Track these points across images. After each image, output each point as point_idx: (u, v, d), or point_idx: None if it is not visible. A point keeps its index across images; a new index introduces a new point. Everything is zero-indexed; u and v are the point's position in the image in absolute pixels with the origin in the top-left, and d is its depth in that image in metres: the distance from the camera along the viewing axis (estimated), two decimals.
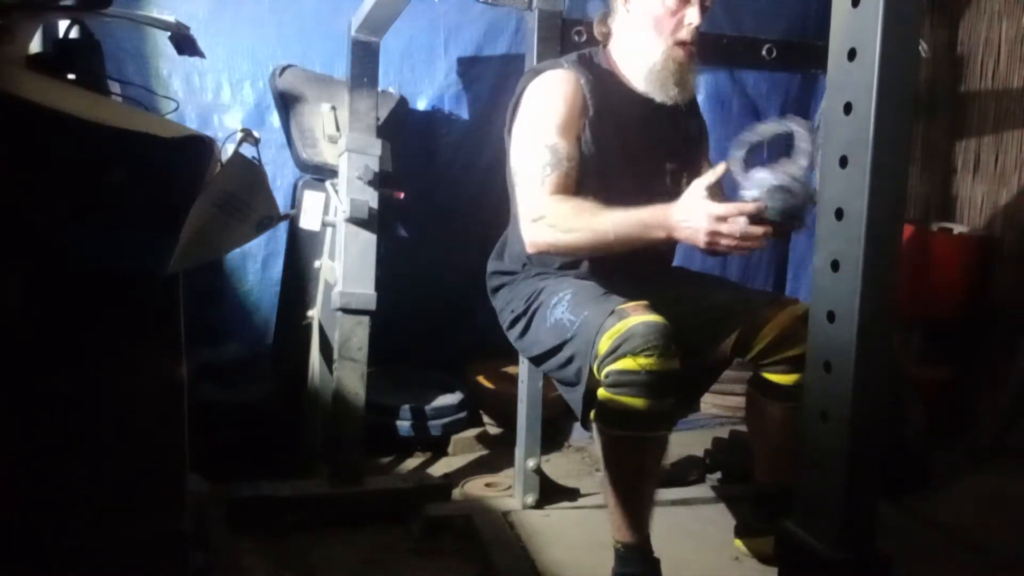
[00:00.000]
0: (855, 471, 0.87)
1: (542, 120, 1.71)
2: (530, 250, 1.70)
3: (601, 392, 1.56)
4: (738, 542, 1.96)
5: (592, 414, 1.61)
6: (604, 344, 1.53)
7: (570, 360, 1.65)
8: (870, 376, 0.86)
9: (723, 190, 1.68)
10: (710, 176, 1.56)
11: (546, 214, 1.63)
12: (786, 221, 1.53)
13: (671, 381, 1.53)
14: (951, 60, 3.21)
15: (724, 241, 1.49)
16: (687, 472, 2.48)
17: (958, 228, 3.07)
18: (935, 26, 3.25)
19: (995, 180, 3.05)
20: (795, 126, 1.57)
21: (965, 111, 3.17)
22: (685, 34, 1.74)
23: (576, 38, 2.10)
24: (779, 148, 1.60)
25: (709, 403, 3.00)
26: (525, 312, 1.79)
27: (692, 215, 1.52)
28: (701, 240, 1.51)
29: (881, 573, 0.91)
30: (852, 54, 0.85)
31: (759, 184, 1.53)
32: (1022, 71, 2.96)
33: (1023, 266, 2.92)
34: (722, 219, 1.49)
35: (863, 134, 0.84)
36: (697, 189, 1.54)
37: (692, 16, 1.73)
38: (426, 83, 3.01)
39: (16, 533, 1.10)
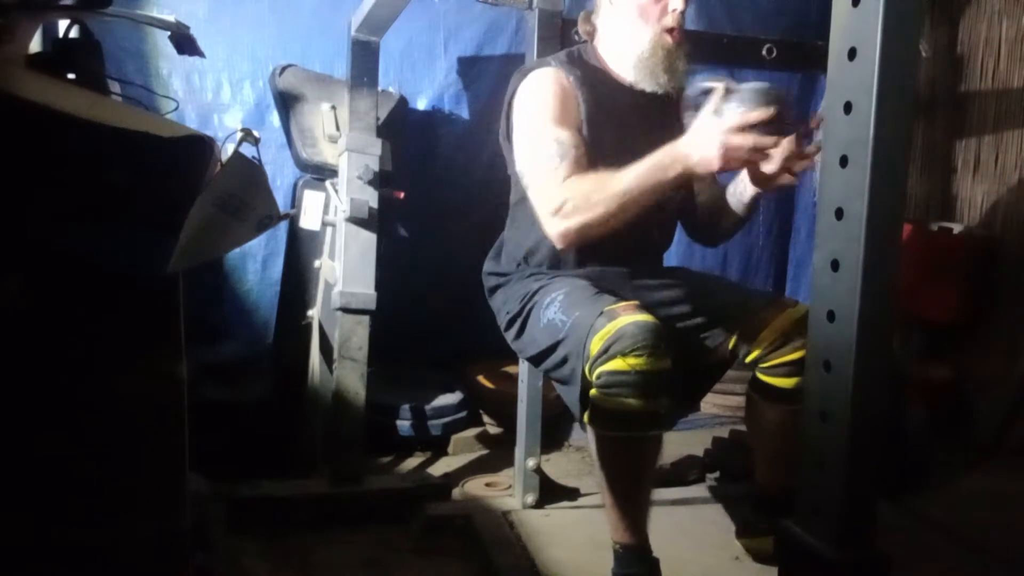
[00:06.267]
0: (855, 471, 0.87)
1: (541, 116, 1.70)
2: (562, 244, 1.65)
3: (593, 393, 1.56)
4: (739, 541, 1.96)
5: (586, 415, 1.61)
6: (595, 345, 1.52)
7: (564, 360, 1.64)
8: (870, 376, 0.86)
9: None
10: (714, 100, 1.56)
11: (567, 198, 1.60)
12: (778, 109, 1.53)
13: (662, 381, 1.52)
14: (951, 60, 3.21)
15: (737, 153, 1.50)
16: (687, 472, 2.48)
17: (958, 228, 3.07)
18: (935, 26, 3.25)
19: (995, 180, 3.05)
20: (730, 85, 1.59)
21: (965, 111, 3.17)
22: (670, 20, 1.75)
23: (576, 38, 2.10)
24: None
25: (709, 403, 3.00)
26: (520, 313, 1.79)
27: (703, 137, 1.53)
28: (716, 156, 1.51)
29: (881, 573, 0.91)
30: (852, 54, 0.85)
31: (740, 97, 1.54)
32: (1022, 71, 2.96)
33: (1023, 266, 2.92)
34: (732, 130, 1.50)
35: (863, 134, 0.84)
36: (704, 116, 1.55)
37: (676, 2, 1.75)
38: (426, 83, 3.01)
39: (16, 532, 1.10)
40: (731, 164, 1.53)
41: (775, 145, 1.53)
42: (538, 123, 1.70)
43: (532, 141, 1.70)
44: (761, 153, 1.53)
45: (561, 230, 1.61)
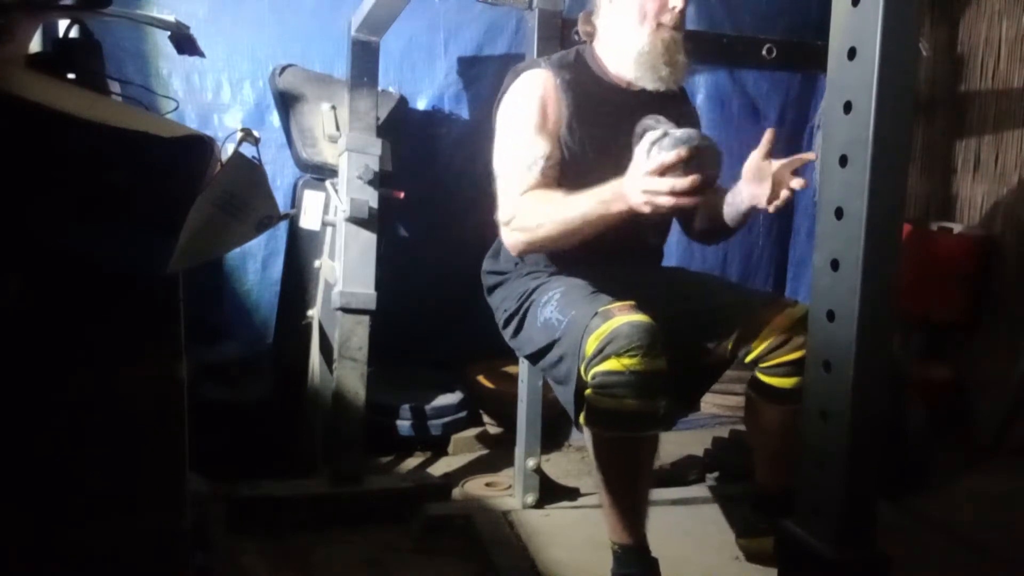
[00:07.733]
0: (855, 471, 0.87)
1: (519, 123, 1.73)
2: (513, 253, 1.75)
3: (588, 393, 1.56)
4: (738, 542, 1.96)
5: (581, 415, 1.61)
6: (590, 345, 1.53)
7: (560, 360, 1.65)
8: (870, 376, 0.86)
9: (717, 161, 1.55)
10: (645, 142, 1.50)
11: (515, 215, 1.67)
12: (699, 160, 1.46)
13: (658, 381, 1.52)
14: (951, 60, 3.21)
15: (660, 200, 1.44)
16: (687, 472, 2.48)
17: (958, 228, 3.07)
18: (935, 26, 3.25)
19: (995, 180, 3.05)
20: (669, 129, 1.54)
21: (965, 111, 3.17)
22: (669, 18, 1.75)
23: (576, 38, 2.10)
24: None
25: (709, 403, 3.00)
26: (517, 311, 1.80)
27: (631, 180, 1.48)
28: (641, 205, 1.46)
29: (881, 573, 0.91)
30: (852, 53, 0.85)
31: (665, 143, 1.48)
32: (1022, 71, 2.96)
33: (1023, 266, 2.92)
34: (650, 174, 1.44)
35: (863, 133, 0.84)
36: (637, 156, 1.50)
37: (675, 0, 1.74)
38: (426, 83, 3.01)
39: (16, 531, 1.10)
40: (658, 208, 1.46)
41: (695, 187, 1.43)
42: (518, 129, 1.74)
43: (508, 145, 1.75)
44: (685, 196, 1.44)
45: (510, 241, 1.72)
